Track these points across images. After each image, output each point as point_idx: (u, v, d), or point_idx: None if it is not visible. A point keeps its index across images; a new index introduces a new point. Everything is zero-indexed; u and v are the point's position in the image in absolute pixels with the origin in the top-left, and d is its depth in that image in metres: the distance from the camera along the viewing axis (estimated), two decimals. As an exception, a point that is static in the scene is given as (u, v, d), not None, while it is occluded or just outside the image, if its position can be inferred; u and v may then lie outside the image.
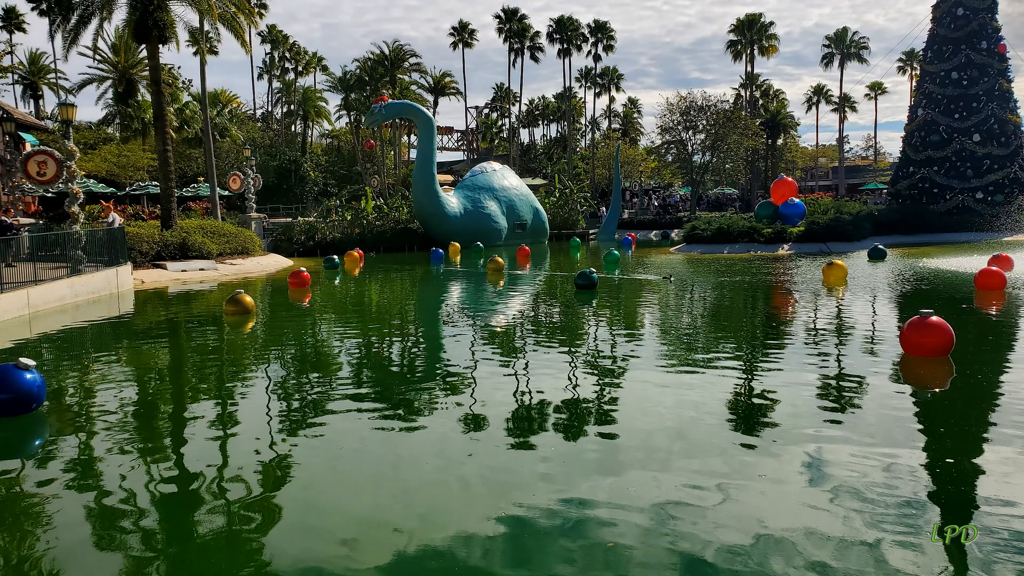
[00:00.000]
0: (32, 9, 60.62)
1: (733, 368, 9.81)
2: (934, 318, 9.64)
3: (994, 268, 16.85)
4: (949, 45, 39.48)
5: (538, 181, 66.29)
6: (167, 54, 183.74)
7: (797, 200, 34.84)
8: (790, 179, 36.25)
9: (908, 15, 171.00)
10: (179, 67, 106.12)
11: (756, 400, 8.20)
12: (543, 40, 74.74)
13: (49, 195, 35.00)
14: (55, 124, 45.06)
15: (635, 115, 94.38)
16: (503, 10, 74.40)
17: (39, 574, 4.61)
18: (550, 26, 72.82)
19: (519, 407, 8.06)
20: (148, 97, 50.55)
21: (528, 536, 4.87)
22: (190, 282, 24.04)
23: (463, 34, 77.05)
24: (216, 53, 51.34)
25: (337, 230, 39.26)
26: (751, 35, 71.46)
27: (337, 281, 24.37)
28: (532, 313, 16.22)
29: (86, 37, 65.86)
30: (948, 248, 30.68)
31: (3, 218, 22.25)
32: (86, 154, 48.24)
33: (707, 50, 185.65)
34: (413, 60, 64.77)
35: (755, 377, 9.27)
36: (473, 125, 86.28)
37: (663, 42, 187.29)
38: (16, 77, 66.75)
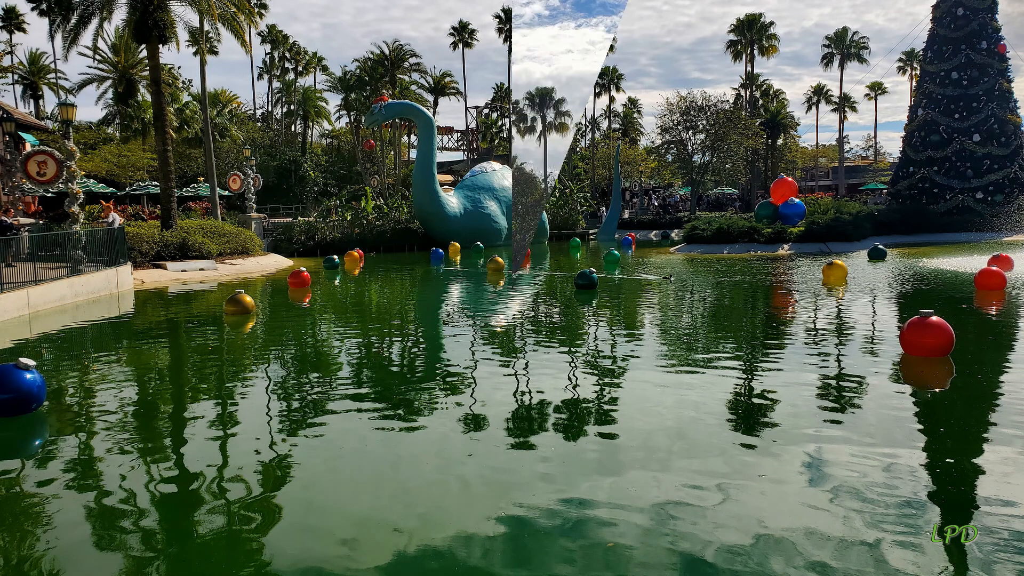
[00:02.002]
0: (32, 9, 60.67)
1: (733, 368, 9.81)
2: (934, 318, 9.64)
3: (994, 268, 16.86)
4: (949, 45, 39.50)
5: (538, 181, 66.22)
6: (167, 54, 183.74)
7: (797, 200, 34.84)
8: (790, 179, 36.24)
9: (908, 15, 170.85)
10: (179, 67, 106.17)
11: (756, 400, 8.20)
12: (543, 40, 74.72)
13: (49, 195, 35.05)
14: (55, 124, 45.10)
15: (635, 115, 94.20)
16: (503, 10, 74.31)
17: (39, 574, 4.61)
18: (550, 26, 72.81)
19: (519, 407, 8.06)
20: (148, 97, 50.55)
21: (528, 536, 4.87)
22: (190, 282, 24.04)
23: (463, 34, 77.10)
24: (216, 53, 51.29)
25: (337, 230, 39.24)
26: (751, 35, 71.44)
27: (337, 281, 24.37)
28: (532, 313, 16.22)
29: (86, 37, 65.80)
30: (948, 248, 30.69)
31: (3, 218, 22.26)
32: (86, 154, 48.27)
33: (707, 50, 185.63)
34: (413, 60, 64.86)
35: (755, 377, 9.27)
36: (473, 125, 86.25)
37: (663, 42, 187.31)
38: (16, 77, 66.79)
